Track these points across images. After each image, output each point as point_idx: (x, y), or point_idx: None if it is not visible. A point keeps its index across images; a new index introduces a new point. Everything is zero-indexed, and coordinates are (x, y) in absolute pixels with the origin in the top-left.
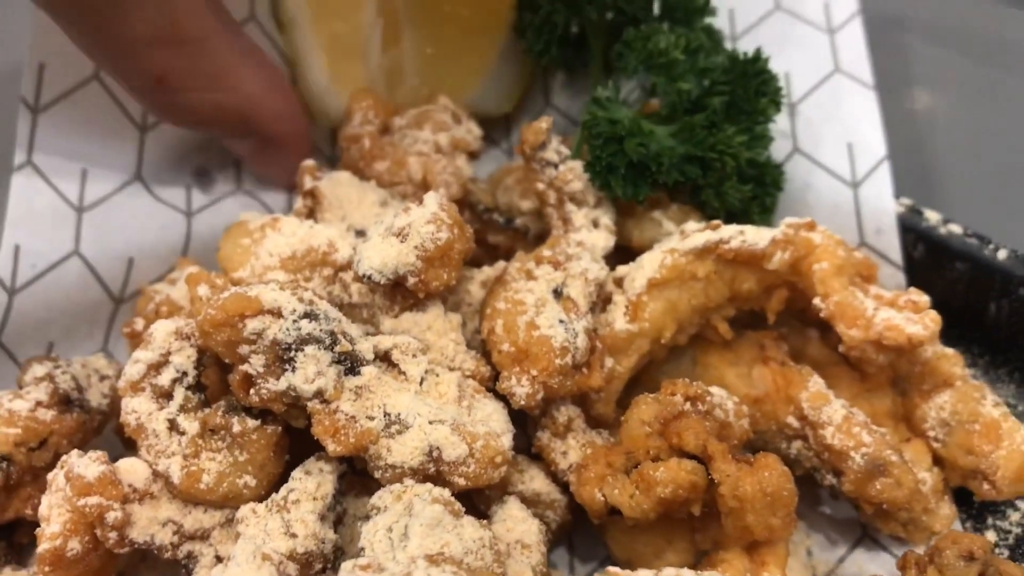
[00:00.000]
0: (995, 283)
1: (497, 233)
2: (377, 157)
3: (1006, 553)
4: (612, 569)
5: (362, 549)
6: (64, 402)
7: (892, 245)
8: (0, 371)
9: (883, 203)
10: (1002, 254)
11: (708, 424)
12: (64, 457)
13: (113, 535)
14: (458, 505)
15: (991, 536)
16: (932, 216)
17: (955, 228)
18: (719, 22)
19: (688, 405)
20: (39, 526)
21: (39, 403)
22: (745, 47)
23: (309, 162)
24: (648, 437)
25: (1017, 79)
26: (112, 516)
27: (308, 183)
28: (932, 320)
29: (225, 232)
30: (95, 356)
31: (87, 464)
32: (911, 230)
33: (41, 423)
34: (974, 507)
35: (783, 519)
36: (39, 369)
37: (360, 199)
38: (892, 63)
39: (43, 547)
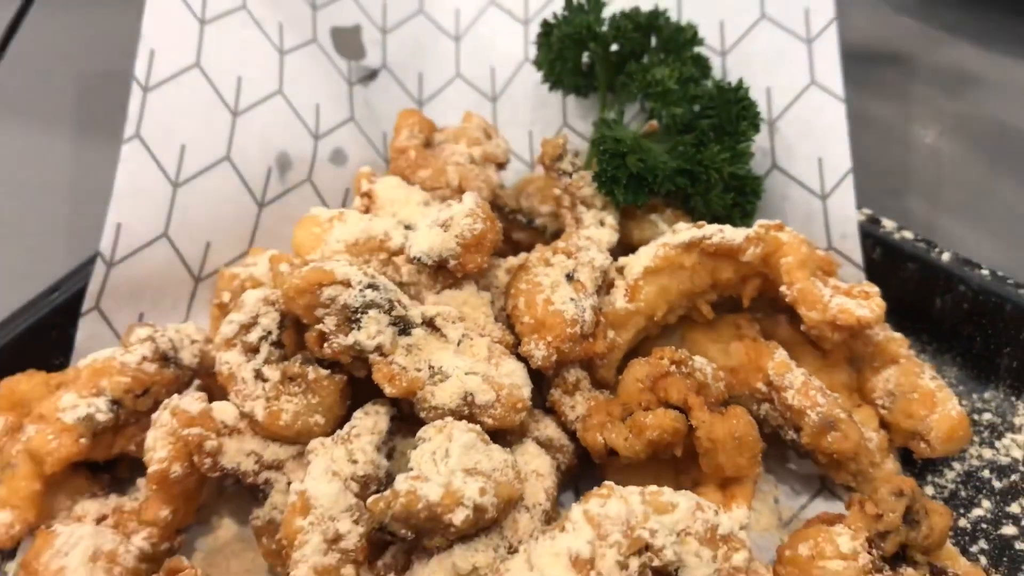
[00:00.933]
0: (940, 281)
1: (520, 231)
2: (421, 166)
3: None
4: (608, 483)
5: (411, 468)
6: (163, 359)
7: (854, 248)
8: (98, 334)
9: (847, 212)
10: (946, 256)
11: (689, 383)
12: (167, 400)
13: (208, 461)
14: (487, 436)
15: (929, 490)
16: (888, 224)
17: (907, 234)
18: (710, 34)
19: (674, 367)
20: (139, 462)
21: (144, 358)
22: (733, 62)
23: (365, 168)
24: (640, 392)
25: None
26: (209, 444)
27: (365, 186)
28: (877, 305)
29: (298, 223)
30: (186, 324)
31: (190, 402)
32: (870, 236)
33: (145, 374)
34: (917, 467)
35: (749, 459)
36: (142, 332)
37: (407, 199)
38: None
39: (152, 469)
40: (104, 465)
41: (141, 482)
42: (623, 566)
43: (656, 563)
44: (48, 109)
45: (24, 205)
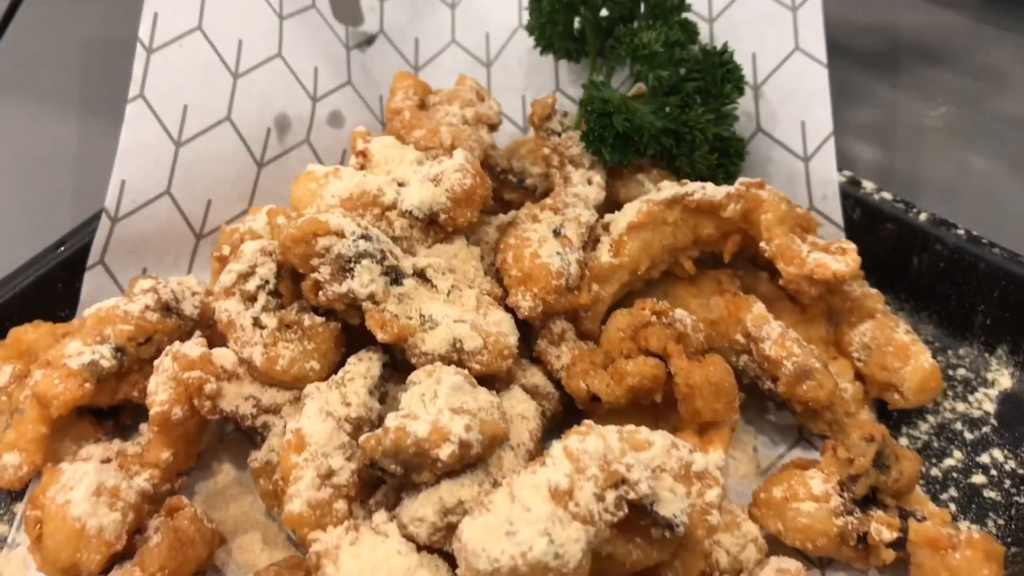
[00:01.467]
0: (917, 240)
1: (511, 191)
2: (415, 126)
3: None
4: (588, 421)
5: (402, 409)
6: (165, 309)
7: (835, 209)
8: (103, 287)
9: (828, 174)
10: (923, 216)
11: (669, 332)
12: (169, 346)
13: (208, 404)
14: (474, 380)
15: (903, 441)
16: (868, 185)
17: (886, 195)
18: (698, 1)
19: (655, 317)
20: (142, 409)
21: (146, 307)
22: (720, 28)
23: (361, 128)
24: (622, 340)
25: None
26: (208, 387)
27: (360, 145)
28: (853, 259)
29: (296, 179)
30: (187, 277)
31: (191, 347)
32: (850, 196)
33: (148, 323)
34: (892, 419)
35: (725, 405)
36: (145, 283)
37: (401, 158)
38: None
39: (153, 411)
40: (108, 411)
41: (144, 428)
42: (600, 498)
43: (632, 496)
44: (54, 74)
45: (32, 167)
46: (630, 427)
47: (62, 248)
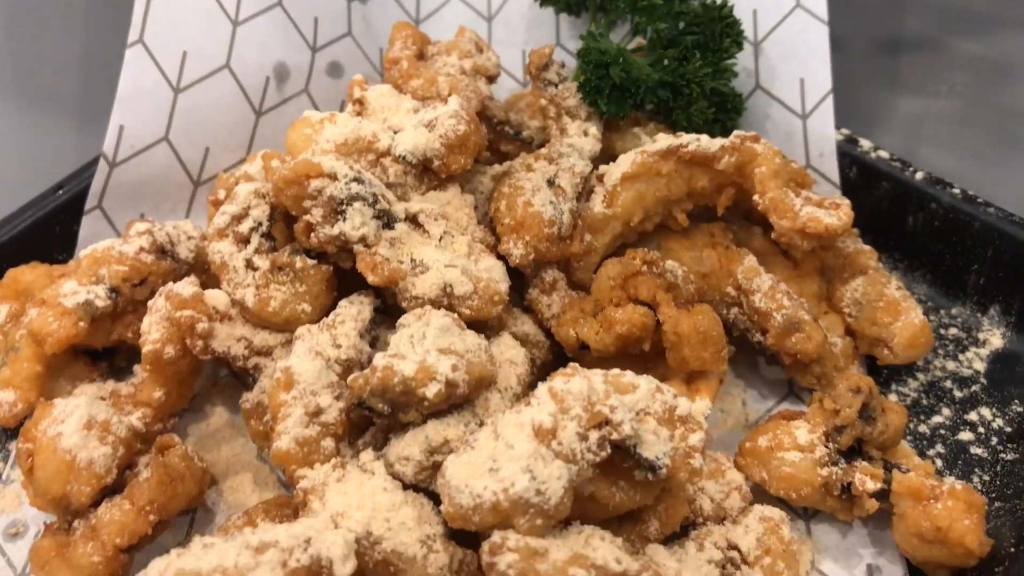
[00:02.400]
0: (912, 199)
1: (508, 143)
2: (413, 76)
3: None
4: (573, 364)
5: (390, 349)
6: (160, 251)
7: (831, 167)
8: (100, 231)
9: (826, 131)
10: (919, 175)
11: (659, 282)
12: (162, 287)
13: (199, 343)
14: (463, 324)
15: (892, 398)
16: (865, 143)
17: (883, 153)
18: None
19: (645, 267)
20: (137, 351)
21: (141, 249)
22: None
23: (358, 76)
24: (612, 289)
25: None
26: (200, 326)
27: (357, 93)
28: (845, 214)
29: (292, 125)
30: (184, 221)
31: (183, 286)
32: (847, 155)
33: (143, 264)
34: (882, 376)
35: (713, 354)
36: (140, 226)
37: (397, 107)
38: None
39: (146, 349)
40: (103, 353)
41: (138, 369)
42: (583, 437)
43: (615, 437)
44: (58, 14)
45: (32, 110)
46: (615, 371)
47: (60, 191)
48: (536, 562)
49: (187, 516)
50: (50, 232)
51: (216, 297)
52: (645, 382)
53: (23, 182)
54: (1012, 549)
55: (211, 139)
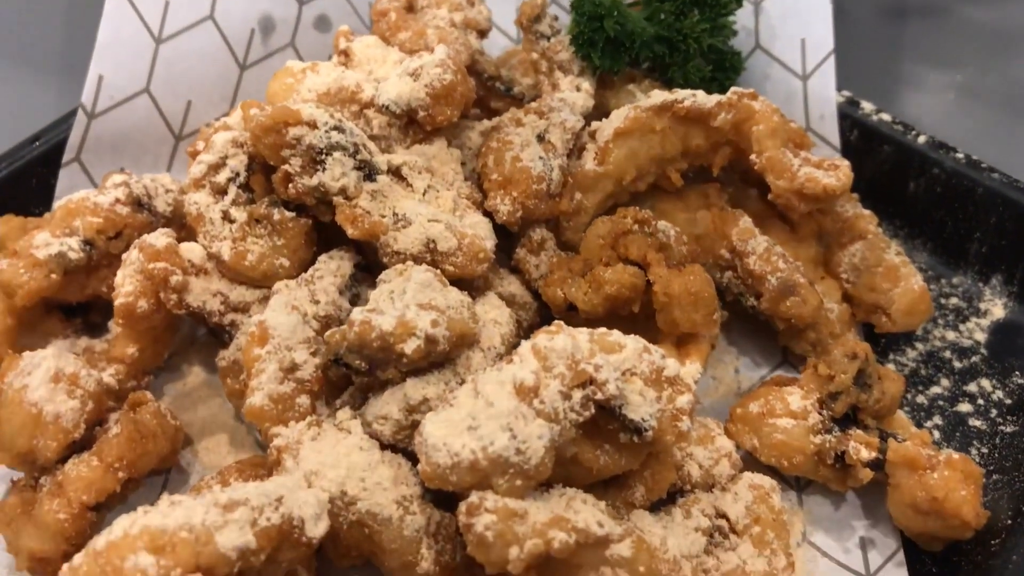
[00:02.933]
0: (915, 164)
1: (498, 99)
2: (401, 28)
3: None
4: (558, 321)
5: (369, 304)
6: (137, 204)
7: (832, 130)
8: (78, 185)
9: (827, 93)
10: (922, 139)
11: (650, 242)
12: (137, 240)
13: (173, 297)
14: (446, 280)
15: (890, 367)
16: (867, 106)
17: (885, 116)
18: None
19: (636, 226)
20: (112, 307)
21: (117, 200)
22: None
23: (344, 27)
24: (601, 248)
25: None
26: (174, 279)
27: (343, 44)
28: (844, 175)
29: (274, 75)
30: (163, 174)
31: (157, 237)
32: (848, 117)
33: (118, 216)
34: (879, 344)
35: (704, 316)
36: (118, 178)
37: (384, 58)
38: None
39: (118, 302)
40: (77, 308)
41: (112, 326)
42: (566, 396)
43: (599, 397)
44: None
45: (9, 61)
46: (602, 329)
47: (37, 143)
48: (515, 524)
49: (161, 477)
50: (26, 185)
51: (191, 250)
52: (632, 341)
53: (9, 132)
54: (1009, 522)
55: (194, 92)
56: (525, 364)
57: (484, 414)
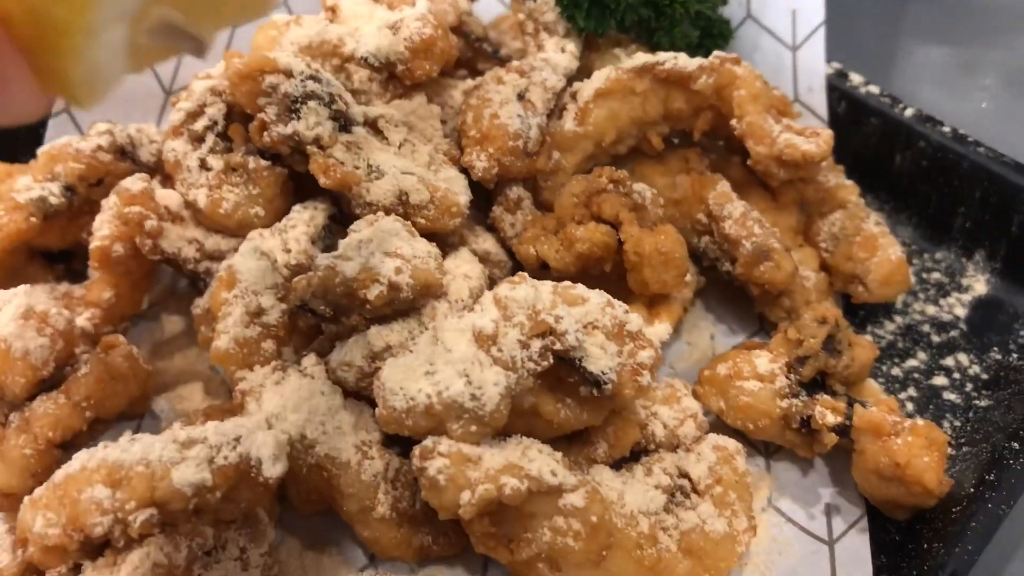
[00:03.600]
0: (901, 137)
1: (486, 61)
2: None
3: (877, 353)
4: (522, 273)
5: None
6: (120, 152)
7: (820, 102)
8: (66, 136)
9: (816, 64)
10: (909, 112)
11: (624, 201)
12: (116, 186)
13: (148, 242)
14: (416, 232)
15: (867, 338)
16: (856, 78)
17: (873, 89)
18: None
19: (611, 185)
20: None
21: (99, 147)
22: None
23: None
24: (575, 207)
25: None
26: (149, 224)
27: (331, 0)
28: (824, 141)
29: (258, 28)
30: (148, 125)
31: (133, 181)
32: (836, 89)
33: (100, 163)
34: (858, 316)
35: (674, 276)
36: (102, 126)
37: (371, 16)
38: None
39: (93, 245)
40: (60, 256)
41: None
42: (524, 345)
43: (558, 347)
44: None
45: None
46: (566, 283)
47: None
48: (468, 469)
49: (133, 423)
50: (15, 134)
51: (168, 197)
52: (596, 295)
53: None
54: (971, 490)
55: None
56: (485, 313)
57: (441, 360)
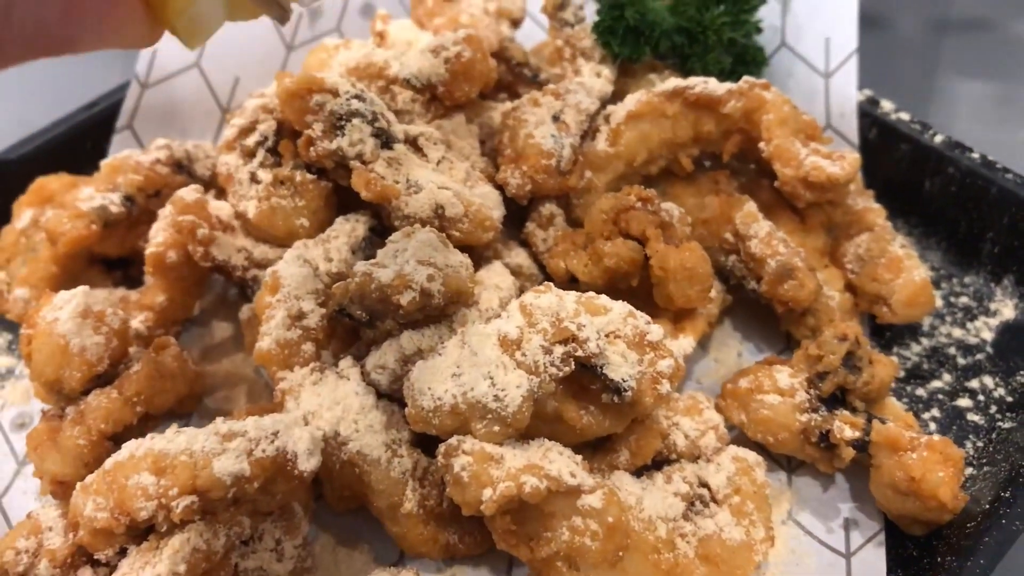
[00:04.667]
0: (931, 163)
1: (526, 86)
2: (436, 14)
3: (902, 373)
4: (548, 283)
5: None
6: (177, 165)
7: (851, 128)
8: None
9: (848, 91)
10: (939, 138)
11: (652, 219)
12: (171, 196)
13: (200, 250)
14: (449, 243)
15: (893, 359)
16: (887, 105)
17: (904, 116)
18: None
19: (639, 203)
20: None
21: (158, 160)
22: None
23: (383, 11)
24: (604, 223)
25: None
26: (201, 232)
27: (379, 26)
28: (850, 164)
29: (310, 51)
30: (205, 142)
31: (188, 192)
32: (868, 115)
33: (158, 175)
34: (884, 338)
35: (698, 291)
36: (161, 141)
37: (416, 40)
38: None
39: (149, 251)
40: (119, 263)
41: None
42: (547, 351)
43: (580, 354)
44: None
45: None
46: (590, 293)
47: (94, 108)
48: (490, 467)
49: (182, 421)
50: (81, 147)
51: (220, 208)
52: (619, 306)
53: (64, 99)
54: (987, 506)
55: (241, 69)
56: (511, 319)
57: (468, 363)
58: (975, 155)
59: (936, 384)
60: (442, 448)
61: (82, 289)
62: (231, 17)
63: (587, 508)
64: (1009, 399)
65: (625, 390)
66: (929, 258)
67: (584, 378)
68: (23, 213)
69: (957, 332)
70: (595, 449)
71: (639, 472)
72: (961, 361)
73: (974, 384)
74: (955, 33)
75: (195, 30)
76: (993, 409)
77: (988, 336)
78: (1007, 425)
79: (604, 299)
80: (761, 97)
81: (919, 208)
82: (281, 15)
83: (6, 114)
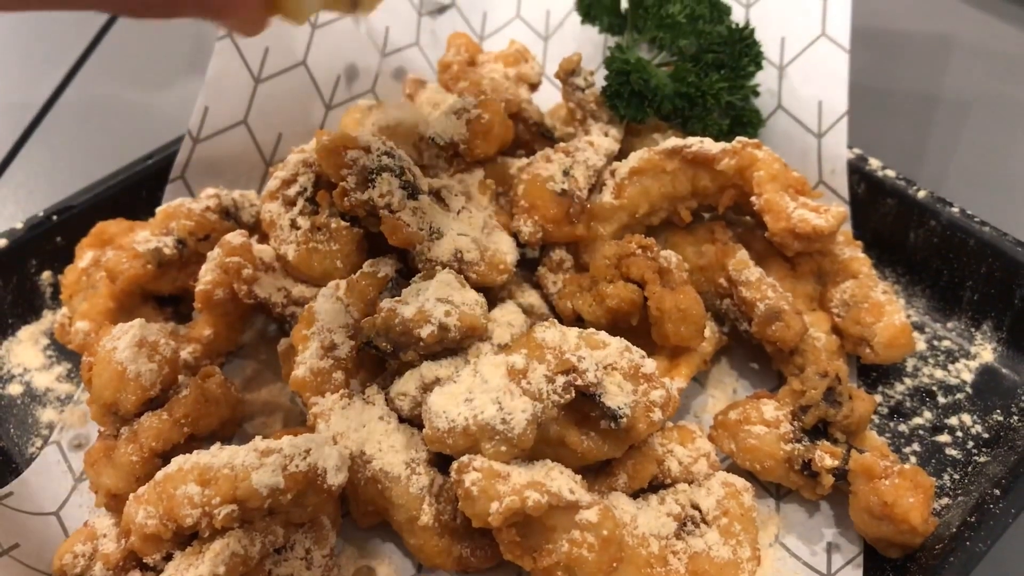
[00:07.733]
0: (914, 216)
1: (542, 144)
2: (461, 78)
3: (886, 411)
4: (553, 319)
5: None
6: (225, 212)
7: (842, 184)
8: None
9: (839, 150)
10: (922, 193)
11: (651, 264)
12: (220, 240)
13: (244, 288)
14: (466, 282)
15: (878, 398)
16: (874, 162)
17: (890, 172)
18: None
19: (640, 250)
20: None
21: (207, 208)
22: (755, 13)
23: (413, 76)
24: (607, 268)
25: None
26: (246, 272)
27: (410, 89)
28: (834, 216)
29: (346, 112)
30: (250, 192)
31: (234, 236)
32: (857, 171)
33: (207, 221)
34: (870, 378)
35: (691, 331)
36: (211, 190)
37: (443, 102)
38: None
39: (198, 288)
40: (170, 300)
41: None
42: (550, 380)
43: (579, 383)
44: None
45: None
46: (591, 329)
47: (150, 160)
48: (497, 482)
49: (224, 443)
50: (137, 195)
51: (263, 251)
52: (616, 342)
53: (123, 152)
54: (954, 529)
55: (284, 126)
56: (520, 352)
57: (479, 389)
58: (955, 208)
59: (918, 420)
60: (455, 465)
61: (138, 322)
62: (324, 5)
63: (584, 522)
64: (985, 435)
65: (621, 416)
66: (915, 304)
67: (584, 406)
68: (85, 254)
69: (939, 373)
70: (596, 473)
71: (636, 495)
72: (942, 400)
73: (953, 421)
74: (947, 100)
75: (299, 13)
76: (970, 444)
77: (968, 377)
78: (982, 459)
79: (603, 335)
80: (753, 155)
81: (905, 258)
82: (352, 5)
83: (72, 165)
